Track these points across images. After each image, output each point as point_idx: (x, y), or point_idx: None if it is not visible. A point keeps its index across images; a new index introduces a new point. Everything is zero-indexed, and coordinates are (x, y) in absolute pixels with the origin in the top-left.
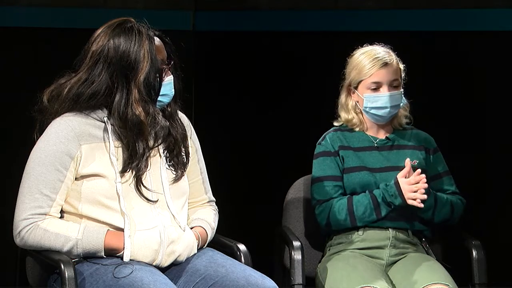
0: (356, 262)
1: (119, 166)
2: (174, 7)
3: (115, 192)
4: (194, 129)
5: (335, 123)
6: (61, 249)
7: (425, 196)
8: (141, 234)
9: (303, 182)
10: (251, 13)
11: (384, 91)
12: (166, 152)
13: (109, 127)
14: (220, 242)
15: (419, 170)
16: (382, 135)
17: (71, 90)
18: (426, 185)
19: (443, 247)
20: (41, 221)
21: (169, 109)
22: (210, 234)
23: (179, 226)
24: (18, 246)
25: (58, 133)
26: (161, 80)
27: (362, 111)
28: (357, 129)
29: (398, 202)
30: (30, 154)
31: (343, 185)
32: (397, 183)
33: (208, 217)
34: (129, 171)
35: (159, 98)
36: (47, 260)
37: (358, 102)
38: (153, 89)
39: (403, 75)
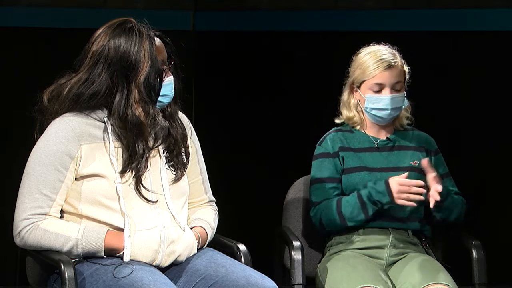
0: (356, 262)
1: (119, 166)
2: (174, 7)
3: (115, 192)
4: (194, 129)
5: (337, 120)
6: (61, 249)
7: (419, 197)
8: (141, 234)
9: (303, 182)
10: (251, 13)
11: (386, 93)
12: (166, 152)
13: (109, 127)
14: (220, 242)
15: (420, 182)
16: (383, 136)
17: (71, 90)
18: (421, 190)
19: (443, 247)
20: (41, 221)
21: (169, 110)
22: (210, 234)
23: (179, 226)
24: (18, 246)
25: (58, 133)
26: (161, 80)
27: (363, 111)
28: (358, 127)
29: (386, 200)
30: (30, 154)
31: (342, 186)
32: (387, 182)
33: (208, 217)
34: (129, 171)
35: (159, 99)
36: (47, 260)
37: (360, 101)
38: (153, 90)
39: (407, 77)
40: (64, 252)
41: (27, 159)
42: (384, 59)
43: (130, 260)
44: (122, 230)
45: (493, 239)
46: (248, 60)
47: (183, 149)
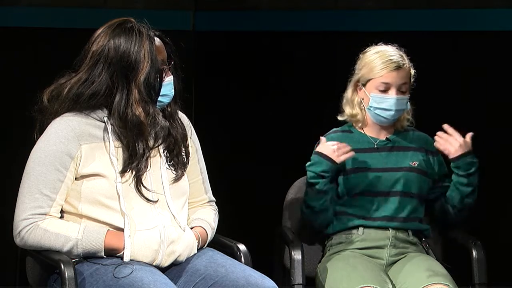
0: (356, 262)
1: (119, 166)
2: (174, 7)
3: (115, 192)
4: (194, 129)
5: (339, 117)
6: (61, 249)
7: (348, 150)
8: (141, 234)
9: (303, 182)
10: (251, 13)
11: (392, 94)
12: (166, 152)
13: (109, 127)
14: (220, 242)
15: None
16: (382, 136)
17: (71, 90)
18: (347, 146)
19: (443, 247)
20: (41, 221)
21: (169, 109)
22: (210, 234)
23: (179, 226)
24: (18, 246)
25: (58, 133)
26: (161, 80)
27: (366, 110)
28: (359, 124)
29: (327, 165)
30: (30, 154)
31: (337, 187)
32: (317, 152)
33: (208, 217)
34: (129, 171)
35: (159, 99)
36: (47, 260)
37: (363, 99)
38: (153, 90)
39: (412, 80)
40: (64, 252)
41: (27, 159)
42: (393, 59)
43: (130, 260)
44: (122, 230)
45: (493, 239)
46: (248, 60)
47: (183, 149)
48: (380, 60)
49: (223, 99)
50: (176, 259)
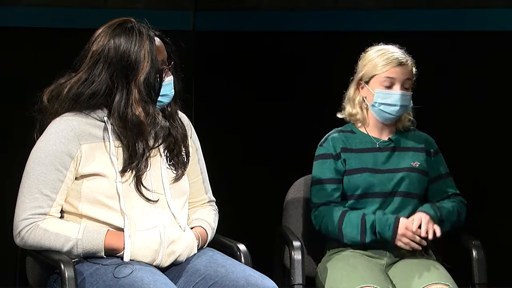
0: (356, 262)
1: (119, 165)
2: (174, 7)
3: (115, 191)
4: (194, 129)
5: (339, 115)
6: (61, 249)
7: (417, 247)
8: (141, 234)
9: (303, 182)
10: (251, 13)
11: (396, 89)
12: (166, 151)
13: (109, 126)
14: (220, 242)
15: (423, 238)
16: (384, 136)
17: (71, 90)
18: (423, 242)
19: (443, 247)
20: (41, 221)
21: (169, 109)
22: (210, 234)
23: (179, 226)
24: (18, 246)
25: (58, 133)
26: (161, 80)
27: (369, 107)
28: (359, 124)
29: (388, 235)
30: (30, 154)
31: (343, 187)
32: (397, 218)
33: (208, 217)
34: (129, 171)
35: (159, 98)
36: (47, 260)
37: (366, 97)
38: (153, 89)
39: (414, 78)
40: (64, 252)
41: (27, 159)
42: (396, 56)
43: (130, 260)
44: (122, 230)
45: (493, 239)
46: (248, 60)
47: (183, 149)
48: (384, 56)
49: (223, 99)
50: (176, 259)
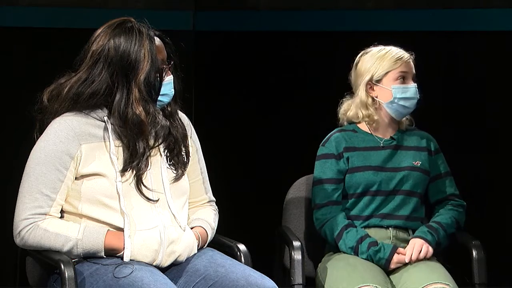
0: (356, 262)
1: (119, 165)
2: (174, 7)
3: (115, 191)
4: (194, 129)
5: (345, 124)
6: (61, 249)
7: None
8: (141, 234)
9: (303, 182)
10: (251, 13)
11: (411, 83)
12: (166, 151)
13: (109, 126)
14: (220, 242)
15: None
16: (387, 135)
17: (71, 90)
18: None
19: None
20: (41, 221)
21: (169, 109)
22: (210, 234)
23: (179, 226)
24: (18, 246)
25: (58, 133)
26: (161, 79)
27: (383, 105)
28: (373, 125)
29: (383, 261)
30: (30, 154)
31: (344, 186)
32: (395, 248)
33: (208, 217)
34: (129, 170)
35: (159, 98)
36: (47, 260)
37: (377, 97)
38: (153, 89)
39: None
40: (64, 252)
41: (27, 159)
42: (401, 52)
43: (130, 260)
44: (122, 230)
45: (493, 239)
46: (248, 60)
47: (183, 148)
48: (392, 53)
49: (223, 99)
50: (176, 259)
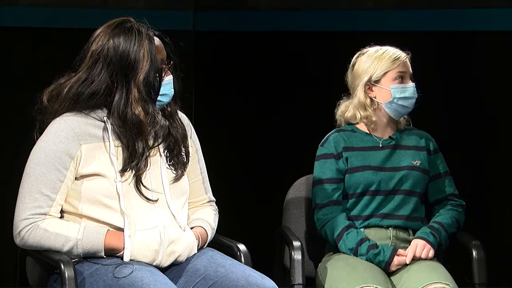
0: (356, 262)
1: (119, 165)
2: (174, 7)
3: (115, 191)
4: (194, 129)
5: (346, 126)
6: (61, 249)
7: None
8: (141, 234)
9: (303, 182)
10: (251, 13)
11: (409, 82)
12: (166, 151)
13: (109, 126)
14: (220, 242)
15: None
16: (385, 135)
17: (71, 90)
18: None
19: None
20: (41, 221)
21: (168, 109)
22: (210, 234)
23: (179, 226)
24: (18, 246)
25: (58, 133)
26: (161, 79)
27: (382, 106)
28: (371, 126)
29: (383, 263)
30: (30, 154)
31: (344, 187)
32: (395, 250)
33: (208, 217)
34: (129, 170)
35: (159, 98)
36: (47, 260)
37: (376, 97)
38: (152, 89)
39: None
40: (64, 252)
41: (27, 159)
42: (398, 52)
43: (130, 260)
44: (122, 230)
45: (493, 239)
46: (248, 60)
47: (183, 149)
48: (389, 53)
49: (223, 99)
50: (176, 259)
